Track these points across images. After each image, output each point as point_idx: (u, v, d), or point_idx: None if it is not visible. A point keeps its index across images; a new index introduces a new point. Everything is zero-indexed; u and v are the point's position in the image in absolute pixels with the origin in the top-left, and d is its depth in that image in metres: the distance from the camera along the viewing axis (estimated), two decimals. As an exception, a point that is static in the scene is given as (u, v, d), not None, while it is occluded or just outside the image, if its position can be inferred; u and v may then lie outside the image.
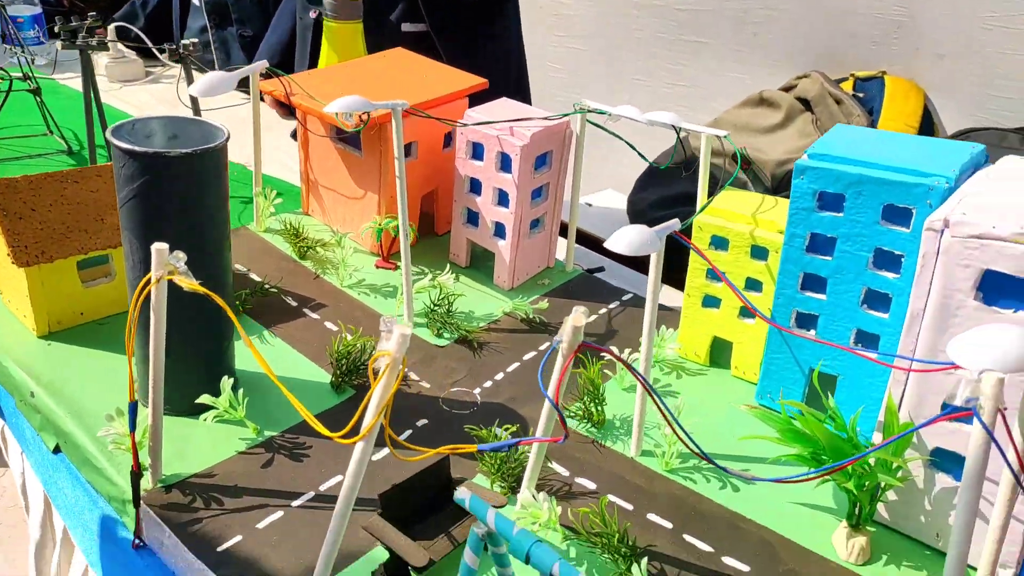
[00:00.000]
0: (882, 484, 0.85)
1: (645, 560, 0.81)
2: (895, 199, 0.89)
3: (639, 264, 1.59)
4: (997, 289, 0.75)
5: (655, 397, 0.77)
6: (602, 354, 1.19)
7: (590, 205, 1.97)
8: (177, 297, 0.81)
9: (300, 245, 1.36)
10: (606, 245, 0.87)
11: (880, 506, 0.90)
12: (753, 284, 1.10)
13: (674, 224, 0.92)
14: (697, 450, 0.78)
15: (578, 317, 0.75)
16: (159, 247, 0.77)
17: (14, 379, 1.09)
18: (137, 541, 0.90)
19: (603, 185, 2.15)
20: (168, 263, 0.78)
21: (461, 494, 0.68)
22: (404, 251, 1.19)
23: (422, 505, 0.86)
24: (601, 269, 1.49)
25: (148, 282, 0.78)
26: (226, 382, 0.96)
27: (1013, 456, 0.62)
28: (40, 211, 1.09)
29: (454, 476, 0.90)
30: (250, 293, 1.24)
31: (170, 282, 0.79)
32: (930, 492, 0.86)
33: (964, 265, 0.75)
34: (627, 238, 0.87)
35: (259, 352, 0.73)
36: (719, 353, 1.18)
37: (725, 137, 1.17)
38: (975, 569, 0.83)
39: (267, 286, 1.27)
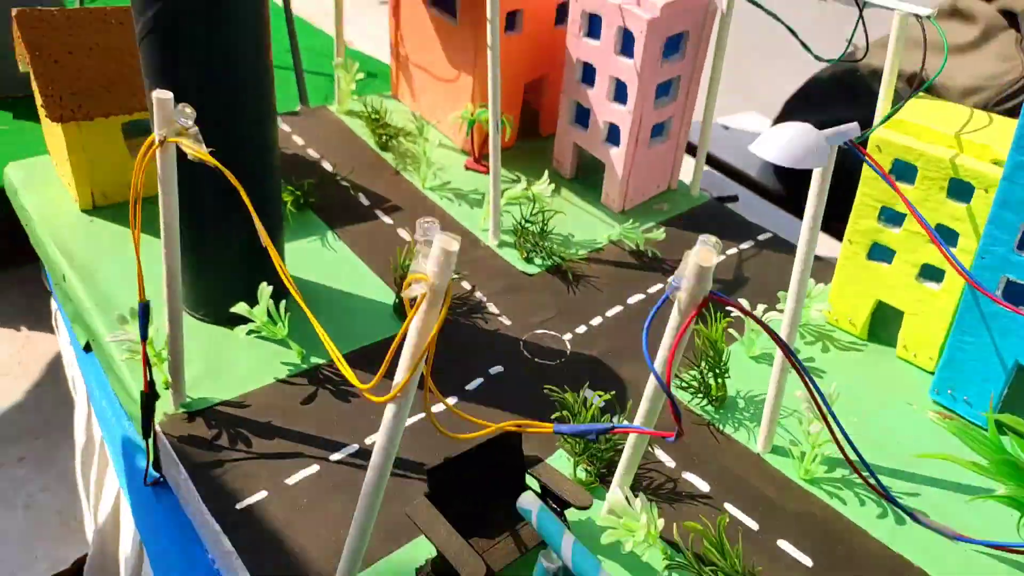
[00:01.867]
0: None
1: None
2: None
3: (782, 200, 1.32)
4: None
5: (806, 377, 0.54)
6: (728, 309, 0.95)
7: (726, 128, 1.66)
8: (212, 176, 0.61)
9: (382, 133, 1.15)
10: (751, 148, 0.62)
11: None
12: (946, 235, 0.82)
13: (852, 129, 0.65)
14: (873, 480, 0.54)
15: (705, 253, 0.49)
16: (161, 96, 0.58)
17: (50, 257, 0.94)
18: (154, 476, 0.74)
19: (745, 106, 1.85)
20: (175, 120, 0.58)
21: (526, 503, 0.48)
22: (494, 147, 0.97)
23: (483, 486, 0.65)
24: (734, 198, 1.23)
25: (151, 145, 0.60)
26: (264, 290, 0.78)
27: None
28: (78, 55, 0.92)
29: (528, 452, 0.68)
30: (316, 184, 1.05)
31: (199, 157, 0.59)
32: None
33: None
34: (782, 140, 0.61)
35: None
36: (881, 324, 0.91)
37: (928, 18, 0.84)
38: None
39: (338, 178, 1.09)
